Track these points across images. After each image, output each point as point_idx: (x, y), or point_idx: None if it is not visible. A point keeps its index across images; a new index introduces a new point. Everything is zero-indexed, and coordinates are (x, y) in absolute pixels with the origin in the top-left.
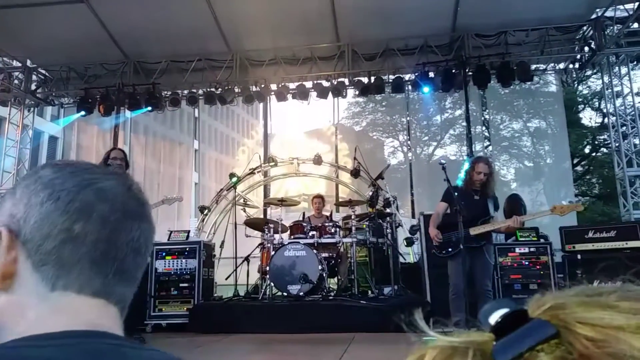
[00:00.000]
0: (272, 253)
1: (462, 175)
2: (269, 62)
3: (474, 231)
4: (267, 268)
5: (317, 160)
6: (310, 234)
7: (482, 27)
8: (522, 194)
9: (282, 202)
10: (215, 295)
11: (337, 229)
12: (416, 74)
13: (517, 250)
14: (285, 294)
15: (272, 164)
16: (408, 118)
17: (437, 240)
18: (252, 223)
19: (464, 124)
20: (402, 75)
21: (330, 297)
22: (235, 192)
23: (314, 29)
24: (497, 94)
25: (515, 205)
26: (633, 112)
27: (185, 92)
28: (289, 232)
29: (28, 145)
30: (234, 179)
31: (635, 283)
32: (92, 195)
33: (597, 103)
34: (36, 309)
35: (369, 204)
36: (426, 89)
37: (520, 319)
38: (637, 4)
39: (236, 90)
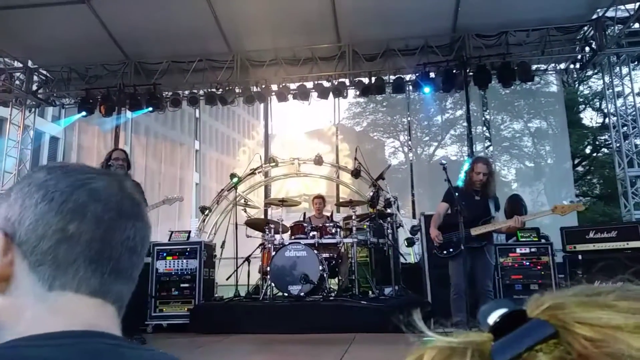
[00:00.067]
0: (273, 253)
1: (461, 176)
2: (270, 62)
3: (475, 231)
4: (268, 268)
5: (318, 161)
6: (311, 234)
7: (483, 27)
8: (523, 194)
9: (282, 203)
10: (216, 295)
11: (338, 230)
12: (417, 74)
13: (518, 250)
14: (286, 294)
15: (273, 164)
16: (409, 118)
17: (437, 241)
18: (252, 223)
19: (465, 124)
20: (402, 76)
21: (331, 298)
22: (236, 192)
23: (315, 29)
24: (497, 94)
25: (516, 206)
26: (634, 112)
27: (186, 92)
28: (289, 232)
29: (29, 145)
30: (235, 180)
31: (634, 283)
32: (85, 196)
33: (598, 103)
34: (33, 309)
35: (369, 205)
36: (427, 90)
37: (519, 319)
38: (637, 4)
39: (237, 90)
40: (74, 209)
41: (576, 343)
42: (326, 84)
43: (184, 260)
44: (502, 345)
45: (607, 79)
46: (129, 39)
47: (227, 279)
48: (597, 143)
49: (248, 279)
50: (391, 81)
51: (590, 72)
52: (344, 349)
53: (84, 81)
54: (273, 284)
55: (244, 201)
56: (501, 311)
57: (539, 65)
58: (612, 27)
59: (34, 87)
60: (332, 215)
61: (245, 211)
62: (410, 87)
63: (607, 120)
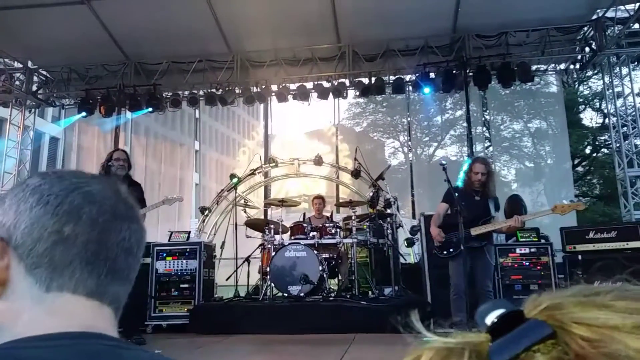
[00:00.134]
0: (273, 254)
1: (461, 176)
2: (270, 63)
3: (474, 231)
4: (268, 269)
5: (318, 161)
6: (310, 234)
7: (483, 27)
8: (523, 194)
9: (282, 203)
10: (216, 296)
11: (338, 230)
12: (417, 74)
13: (517, 250)
14: (285, 294)
15: (273, 164)
16: (409, 119)
17: (439, 239)
18: (252, 224)
19: (465, 124)
20: (402, 76)
21: (331, 298)
22: (235, 192)
23: (315, 30)
24: (497, 95)
25: (516, 206)
26: (634, 113)
27: (186, 93)
28: (289, 232)
29: (29, 146)
30: (235, 180)
31: (632, 282)
32: (80, 198)
33: (597, 103)
34: (31, 311)
35: (369, 205)
36: (427, 90)
37: (517, 319)
38: (637, 4)
39: (237, 91)
40: (69, 211)
41: (574, 343)
42: (326, 84)
43: (184, 261)
44: (499, 346)
45: (607, 79)
46: (129, 40)
47: (226, 280)
48: (597, 143)
49: (248, 279)
50: (391, 81)
51: (590, 73)
52: (344, 349)
53: (84, 82)
54: (273, 285)
55: (244, 201)
56: (499, 312)
57: (538, 66)
58: (612, 28)
59: (34, 88)
60: (331, 215)
61: (245, 211)
62: (410, 88)
63: (607, 120)
